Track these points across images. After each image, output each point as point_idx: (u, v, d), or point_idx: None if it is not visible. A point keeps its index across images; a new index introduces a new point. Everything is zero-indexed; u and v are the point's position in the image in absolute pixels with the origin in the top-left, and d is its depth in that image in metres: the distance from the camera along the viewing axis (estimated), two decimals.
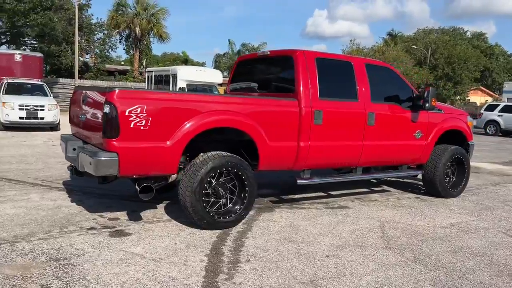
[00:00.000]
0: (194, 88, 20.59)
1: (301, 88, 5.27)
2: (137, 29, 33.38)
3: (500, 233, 5.06)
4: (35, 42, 29.24)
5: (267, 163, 5.14)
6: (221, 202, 4.77)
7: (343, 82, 5.84)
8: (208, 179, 4.58)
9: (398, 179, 8.26)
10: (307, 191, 6.74)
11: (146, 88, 25.70)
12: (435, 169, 6.59)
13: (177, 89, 20.01)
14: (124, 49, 37.82)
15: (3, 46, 28.41)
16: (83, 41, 31.97)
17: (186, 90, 19.34)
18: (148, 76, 25.19)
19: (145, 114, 4.21)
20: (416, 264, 3.95)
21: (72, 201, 5.59)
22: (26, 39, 27.78)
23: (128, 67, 37.93)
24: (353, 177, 6.12)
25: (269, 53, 5.99)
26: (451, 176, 6.90)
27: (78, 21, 26.16)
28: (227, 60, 50.74)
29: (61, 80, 28.21)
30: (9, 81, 15.51)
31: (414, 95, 6.30)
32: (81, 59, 33.64)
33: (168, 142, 4.34)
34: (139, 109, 4.18)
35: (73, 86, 20.81)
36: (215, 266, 3.68)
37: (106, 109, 4.13)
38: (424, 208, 6.13)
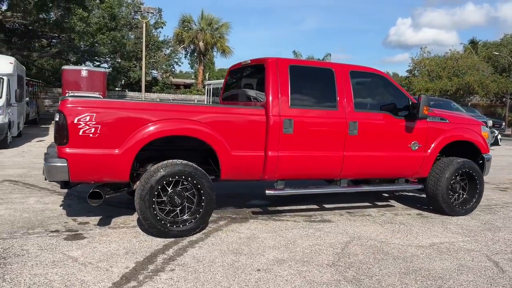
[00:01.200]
0: None
1: (270, 97, 5.14)
2: (201, 43, 34.77)
3: (482, 256, 4.46)
4: (109, 59, 31.74)
5: (230, 173, 5.06)
6: (177, 211, 4.77)
7: (321, 90, 5.60)
8: (160, 187, 4.60)
9: (414, 194, 7.67)
10: (300, 203, 6.50)
11: (205, 100, 26.59)
12: (437, 184, 6.01)
13: None
14: (189, 64, 39.62)
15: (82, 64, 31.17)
16: (153, 55, 33.99)
17: None
18: (207, 89, 26.09)
19: (94, 122, 4.37)
20: (349, 285, 3.63)
21: (60, 205, 5.93)
22: (101, 57, 30.23)
23: (194, 81, 39.57)
24: (331, 190, 5.78)
25: (250, 61, 5.93)
26: (460, 192, 6.24)
27: (146, 38, 27.93)
28: None
29: (130, 93, 30.27)
30: (69, 94, 16.97)
31: (410, 104, 5.84)
32: (155, 72, 35.78)
33: (116, 150, 4.46)
34: (88, 117, 4.35)
35: (140, 99, 22.50)
36: (134, 273, 3.68)
37: (57, 117, 4.37)
38: (415, 225, 5.60)
